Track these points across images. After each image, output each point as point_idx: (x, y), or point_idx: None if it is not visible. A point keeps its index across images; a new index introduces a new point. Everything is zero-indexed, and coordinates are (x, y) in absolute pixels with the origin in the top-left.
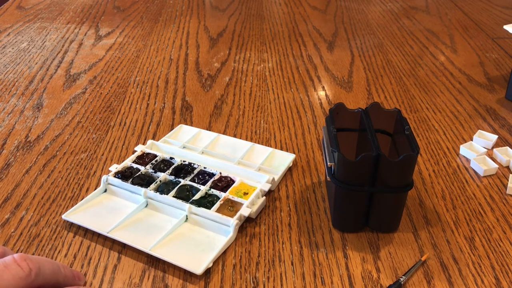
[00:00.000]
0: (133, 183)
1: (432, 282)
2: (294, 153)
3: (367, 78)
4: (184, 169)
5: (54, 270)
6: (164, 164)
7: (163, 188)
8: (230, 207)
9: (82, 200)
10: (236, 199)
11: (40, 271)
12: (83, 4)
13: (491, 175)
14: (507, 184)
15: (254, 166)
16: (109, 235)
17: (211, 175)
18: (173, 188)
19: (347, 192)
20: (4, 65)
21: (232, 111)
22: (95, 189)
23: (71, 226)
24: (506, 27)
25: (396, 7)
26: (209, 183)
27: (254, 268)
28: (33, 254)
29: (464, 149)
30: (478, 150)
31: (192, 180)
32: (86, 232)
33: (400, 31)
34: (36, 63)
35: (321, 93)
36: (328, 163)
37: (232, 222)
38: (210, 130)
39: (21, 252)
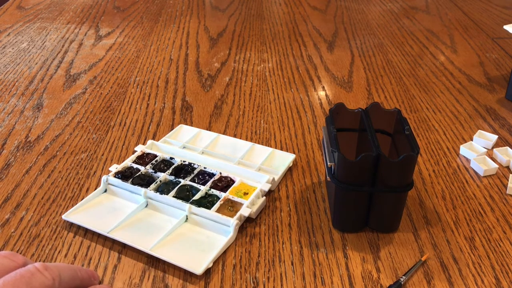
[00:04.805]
0: (133, 183)
1: (432, 282)
2: (294, 153)
3: (367, 78)
4: (184, 169)
5: (72, 275)
6: (164, 164)
7: (163, 188)
8: (230, 207)
9: (82, 200)
10: (236, 199)
11: (60, 279)
12: (83, 4)
13: (491, 175)
14: (507, 184)
15: (254, 166)
16: (109, 235)
17: (211, 175)
18: (173, 188)
19: (347, 192)
20: (4, 65)
21: (232, 111)
22: (95, 189)
23: (71, 226)
24: (506, 27)
25: (396, 7)
26: (209, 183)
27: (254, 268)
28: (32, 254)
29: (464, 149)
30: (478, 150)
31: (192, 180)
32: (86, 232)
33: (400, 31)
34: (36, 63)
35: (321, 93)
36: (328, 163)
37: (232, 222)
38: (210, 130)
39: (21, 252)
